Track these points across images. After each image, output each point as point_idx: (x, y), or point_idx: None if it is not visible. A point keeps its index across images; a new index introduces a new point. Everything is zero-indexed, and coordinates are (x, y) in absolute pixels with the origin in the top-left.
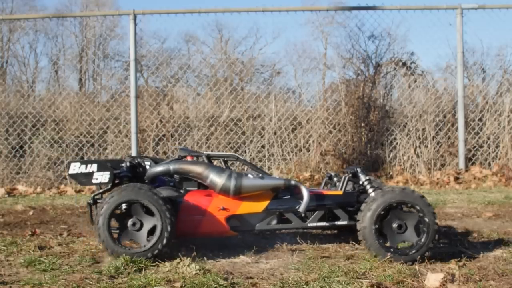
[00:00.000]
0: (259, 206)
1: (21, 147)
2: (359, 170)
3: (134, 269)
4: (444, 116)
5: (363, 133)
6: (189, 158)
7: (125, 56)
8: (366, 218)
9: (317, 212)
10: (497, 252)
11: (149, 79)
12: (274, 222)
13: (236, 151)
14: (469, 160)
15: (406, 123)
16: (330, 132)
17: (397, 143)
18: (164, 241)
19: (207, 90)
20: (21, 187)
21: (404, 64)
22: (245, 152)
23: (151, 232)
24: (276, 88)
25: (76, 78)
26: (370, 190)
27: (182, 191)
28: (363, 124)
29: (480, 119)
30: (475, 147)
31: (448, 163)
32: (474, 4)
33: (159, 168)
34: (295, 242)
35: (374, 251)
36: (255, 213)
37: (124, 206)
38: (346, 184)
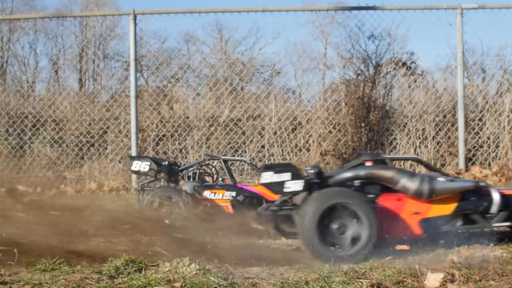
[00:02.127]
0: (449, 209)
1: (21, 147)
2: None
3: (134, 269)
4: (444, 116)
5: (363, 133)
6: (368, 163)
7: (125, 56)
8: None
9: (503, 212)
10: (497, 252)
11: (149, 79)
12: (460, 223)
13: (236, 151)
14: (469, 160)
15: (406, 123)
16: (330, 132)
17: (397, 143)
18: (371, 247)
19: (207, 90)
20: (21, 187)
21: (404, 64)
22: (245, 152)
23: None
24: (276, 88)
25: (76, 78)
26: None
27: (372, 196)
28: (363, 124)
29: (480, 119)
30: (475, 147)
31: (448, 163)
32: (474, 4)
33: (348, 174)
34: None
35: None
36: (444, 216)
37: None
38: None
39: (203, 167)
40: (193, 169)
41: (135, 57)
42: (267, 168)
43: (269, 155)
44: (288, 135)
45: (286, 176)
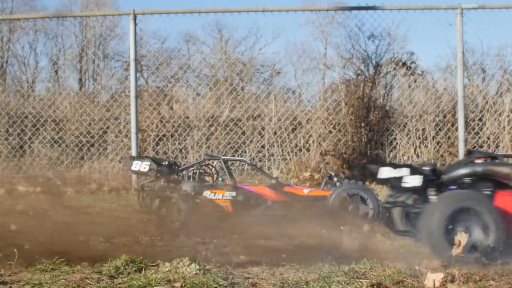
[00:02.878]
0: None
1: (21, 147)
2: None
3: (134, 269)
4: (444, 116)
5: (363, 133)
6: (480, 160)
7: (125, 56)
8: None
9: None
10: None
11: (149, 79)
12: None
13: (236, 151)
14: None
15: (406, 123)
16: (330, 132)
17: (397, 143)
18: (496, 252)
19: (207, 90)
20: (21, 187)
21: (404, 64)
22: (245, 152)
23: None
24: (276, 88)
25: (76, 78)
26: None
27: (488, 192)
28: (363, 124)
29: (480, 119)
30: (475, 147)
31: (448, 163)
32: (474, 4)
33: (464, 171)
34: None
35: None
36: None
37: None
38: None
39: (203, 167)
40: (193, 169)
41: (135, 57)
42: (385, 164)
43: (269, 155)
44: (288, 135)
45: (405, 171)
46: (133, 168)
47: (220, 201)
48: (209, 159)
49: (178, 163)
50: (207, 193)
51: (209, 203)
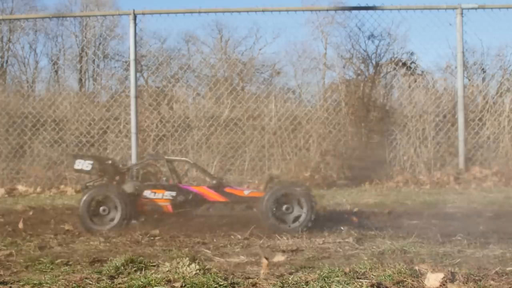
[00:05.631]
0: None
1: (21, 147)
2: None
3: (134, 269)
4: (444, 116)
5: (363, 133)
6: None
7: (125, 56)
8: None
9: None
10: (497, 252)
11: (149, 79)
12: None
13: (236, 151)
14: (469, 160)
15: (406, 123)
16: (330, 132)
17: (397, 143)
18: None
19: (207, 90)
20: (21, 187)
21: (404, 64)
22: (245, 152)
23: None
24: (276, 88)
25: (76, 78)
26: None
27: None
28: (363, 124)
29: (480, 119)
30: (475, 147)
31: (448, 163)
32: (474, 4)
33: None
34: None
35: None
36: None
37: None
38: None
39: (149, 167)
40: (137, 169)
41: (135, 57)
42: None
43: (269, 155)
44: (288, 135)
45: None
46: (75, 167)
47: (160, 200)
48: (152, 159)
49: (124, 163)
50: (147, 193)
51: (149, 203)
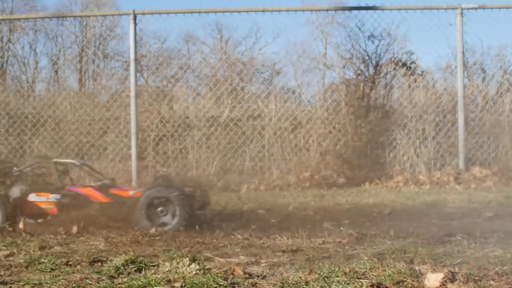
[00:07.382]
0: None
1: (21, 147)
2: None
3: (134, 269)
4: (444, 116)
5: (363, 133)
6: None
7: (125, 56)
8: None
9: None
10: (497, 252)
11: (149, 79)
12: None
13: (236, 151)
14: (469, 160)
15: (406, 123)
16: (330, 132)
17: (397, 143)
18: None
19: (207, 90)
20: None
21: (404, 64)
22: (245, 152)
23: None
24: (276, 88)
25: (76, 78)
26: None
27: None
28: (363, 124)
29: (480, 119)
30: (475, 147)
31: (448, 163)
32: (474, 4)
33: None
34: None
35: None
36: None
37: None
38: None
39: (42, 169)
40: (26, 172)
41: (135, 57)
42: None
43: (269, 155)
44: (288, 135)
45: None
46: None
47: (44, 203)
48: (40, 162)
49: (16, 166)
50: (32, 196)
51: (34, 206)
